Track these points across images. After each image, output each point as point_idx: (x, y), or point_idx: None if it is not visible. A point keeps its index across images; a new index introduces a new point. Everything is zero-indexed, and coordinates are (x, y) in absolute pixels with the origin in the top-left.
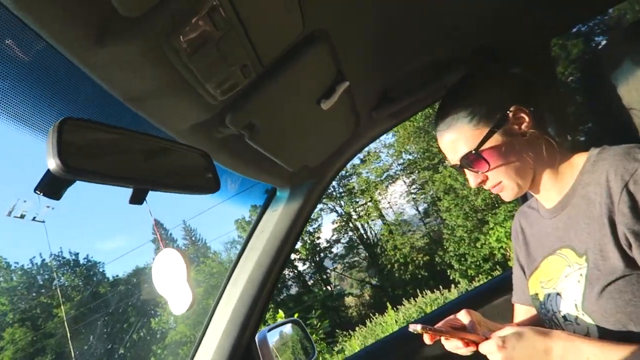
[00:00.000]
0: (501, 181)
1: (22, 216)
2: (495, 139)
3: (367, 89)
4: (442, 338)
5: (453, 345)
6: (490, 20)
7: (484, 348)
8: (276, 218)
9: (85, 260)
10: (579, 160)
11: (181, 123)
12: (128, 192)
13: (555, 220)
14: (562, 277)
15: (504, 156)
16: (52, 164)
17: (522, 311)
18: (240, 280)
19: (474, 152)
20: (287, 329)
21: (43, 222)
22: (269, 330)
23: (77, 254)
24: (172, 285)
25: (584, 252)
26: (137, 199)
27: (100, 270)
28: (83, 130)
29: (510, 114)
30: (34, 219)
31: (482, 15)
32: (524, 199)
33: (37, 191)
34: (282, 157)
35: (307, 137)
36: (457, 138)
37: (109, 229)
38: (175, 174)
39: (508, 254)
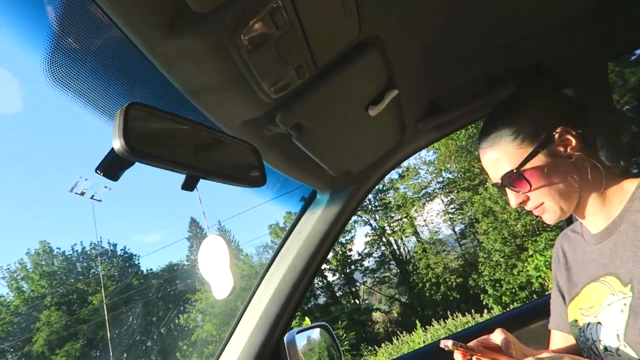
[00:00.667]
0: (543, 202)
1: (82, 193)
2: (539, 159)
3: (415, 98)
4: (474, 358)
5: None
6: (544, 36)
7: None
8: (314, 220)
9: (122, 251)
10: (629, 186)
11: (234, 118)
12: (171, 187)
13: (601, 246)
14: (604, 305)
15: (546, 177)
16: (117, 144)
17: (559, 338)
18: (274, 280)
19: (515, 171)
20: (315, 334)
21: (100, 200)
22: (297, 332)
23: (115, 245)
24: (215, 270)
25: (629, 281)
26: (189, 185)
27: (136, 262)
28: (147, 116)
29: (556, 135)
30: (92, 197)
31: (536, 30)
32: (568, 222)
33: (97, 171)
34: (326, 160)
35: (352, 143)
36: (499, 156)
37: (148, 223)
38: (225, 165)
39: (546, 283)
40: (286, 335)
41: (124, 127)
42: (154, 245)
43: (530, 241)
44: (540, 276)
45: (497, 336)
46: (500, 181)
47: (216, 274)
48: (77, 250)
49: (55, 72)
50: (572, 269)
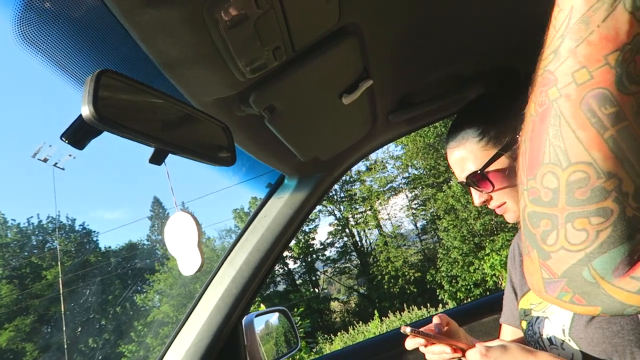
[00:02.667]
0: (505, 202)
1: (46, 160)
2: (502, 162)
3: (388, 91)
4: (423, 347)
5: (439, 350)
6: (517, 44)
7: (470, 355)
8: (281, 205)
9: (81, 227)
10: None
11: (207, 95)
12: (135, 164)
13: None
14: None
15: (508, 179)
16: (86, 111)
17: (509, 332)
18: (237, 261)
19: (479, 172)
20: (274, 319)
21: (63, 169)
22: (256, 316)
23: (74, 220)
24: (183, 247)
25: None
26: (157, 159)
27: (94, 239)
28: (118, 85)
29: (520, 138)
30: (55, 164)
31: (510, 39)
32: None
33: (62, 138)
34: (296, 145)
35: (323, 129)
36: (465, 156)
37: (110, 199)
38: (195, 141)
39: (500, 282)
40: (245, 317)
41: (94, 93)
42: (114, 222)
43: (488, 240)
44: (494, 274)
45: (435, 320)
46: (465, 180)
47: (183, 251)
48: (33, 223)
49: (26, 31)
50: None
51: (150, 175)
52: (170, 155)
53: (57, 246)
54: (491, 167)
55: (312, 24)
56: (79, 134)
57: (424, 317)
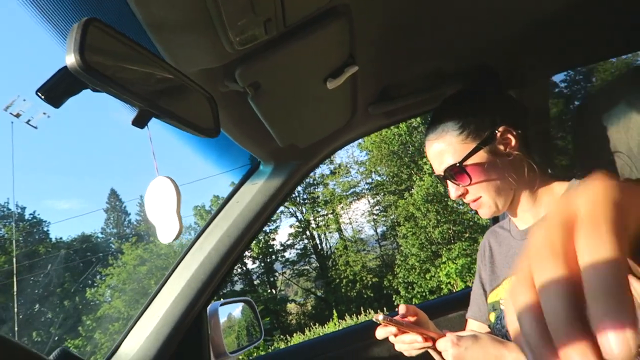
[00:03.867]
0: (481, 197)
1: (18, 115)
2: (480, 156)
3: (370, 81)
4: (393, 337)
5: (410, 339)
6: (499, 43)
7: (441, 345)
8: (254, 191)
9: (31, 216)
10: (559, 188)
11: (192, 65)
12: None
13: (526, 242)
14: None
15: (486, 173)
16: (72, 59)
17: (475, 326)
18: (206, 246)
19: (457, 165)
20: (237, 312)
21: (35, 127)
22: (221, 305)
23: (24, 208)
24: (161, 214)
25: None
26: (141, 121)
27: (45, 229)
28: (106, 37)
29: (498, 134)
30: (28, 121)
31: (491, 37)
32: (494, 221)
33: (38, 93)
34: (277, 127)
35: (305, 114)
36: (444, 149)
37: (64, 187)
38: (180, 108)
39: (454, 290)
40: (210, 305)
41: (81, 41)
42: (67, 212)
43: (445, 249)
44: (449, 282)
45: (401, 310)
46: (442, 173)
47: (162, 217)
48: None
49: None
50: (496, 262)
51: (108, 166)
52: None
53: (6, 234)
54: (469, 161)
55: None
56: (57, 90)
57: None
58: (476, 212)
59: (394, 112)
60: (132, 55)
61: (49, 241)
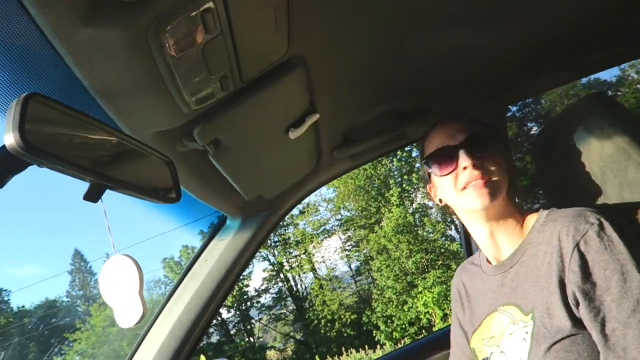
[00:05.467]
0: (491, 176)
1: None
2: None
3: (332, 126)
4: None
5: None
6: (453, 79)
7: None
8: (222, 248)
9: None
10: (529, 220)
11: (147, 128)
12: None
13: (501, 277)
14: (506, 335)
15: (501, 163)
16: (10, 138)
17: None
18: (175, 311)
19: (487, 134)
20: None
21: None
22: None
23: None
24: (121, 295)
25: (531, 310)
26: (93, 195)
27: (5, 298)
28: (49, 111)
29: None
30: None
31: (440, 78)
32: (468, 253)
33: None
34: (241, 182)
35: (269, 165)
36: (475, 127)
37: (24, 253)
38: (136, 176)
39: (433, 319)
40: None
41: (20, 119)
42: (28, 278)
43: (420, 278)
44: (428, 312)
45: None
46: (461, 141)
47: (122, 299)
48: None
49: None
50: (472, 300)
51: (67, 228)
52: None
53: None
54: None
55: (261, 54)
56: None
57: (362, 359)
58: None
59: (359, 155)
60: (79, 127)
61: (10, 311)
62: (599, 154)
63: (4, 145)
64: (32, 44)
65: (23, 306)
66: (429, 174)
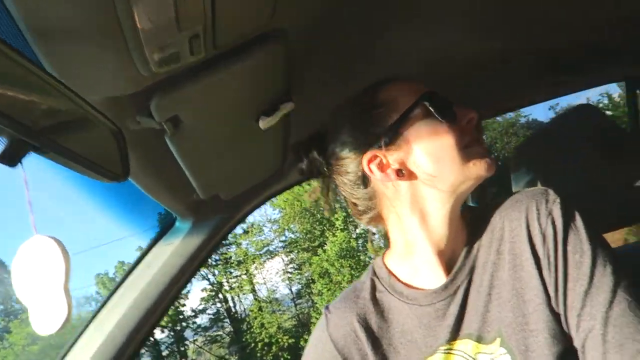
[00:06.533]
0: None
1: None
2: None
3: (306, 123)
4: None
5: None
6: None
7: None
8: (169, 253)
9: None
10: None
11: (94, 90)
12: None
13: (442, 304)
14: None
15: None
16: None
17: None
18: (108, 325)
19: None
20: None
21: None
22: None
23: None
24: (39, 291)
25: (497, 335)
26: (13, 156)
27: None
28: None
29: None
30: None
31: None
32: None
33: None
34: (198, 174)
35: (231, 159)
36: None
37: None
38: (75, 142)
39: None
40: None
41: None
42: None
43: None
44: None
45: None
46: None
47: (41, 297)
48: None
49: None
50: (394, 347)
51: None
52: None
53: None
54: None
55: (242, 17)
56: None
57: None
58: None
59: None
60: (7, 67)
61: None
62: (581, 166)
63: None
64: None
65: None
66: (395, 135)
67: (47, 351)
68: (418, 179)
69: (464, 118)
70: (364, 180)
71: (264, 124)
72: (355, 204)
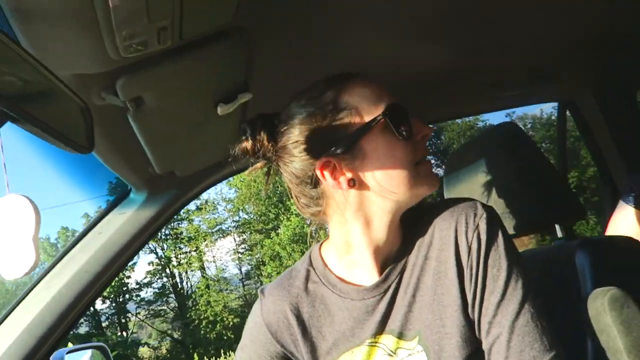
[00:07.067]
0: None
1: None
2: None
3: (262, 111)
4: None
5: None
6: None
7: None
8: (121, 222)
9: None
10: None
11: (65, 66)
12: None
13: (375, 300)
14: None
15: None
16: None
17: None
18: (56, 284)
19: None
20: (88, 357)
21: None
22: (68, 352)
23: None
24: (10, 241)
25: (417, 333)
26: None
27: None
28: None
29: None
30: None
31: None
32: None
33: None
34: (155, 151)
35: (189, 140)
36: None
37: None
38: (46, 114)
39: None
40: (54, 354)
41: None
42: None
43: None
44: None
45: None
46: None
47: (11, 246)
48: None
49: None
50: (315, 334)
51: None
52: None
53: None
54: None
55: (207, 12)
56: None
57: None
58: None
59: None
60: None
61: None
62: (501, 183)
63: None
64: None
65: None
66: (352, 144)
67: None
68: (368, 190)
69: (419, 134)
70: (313, 181)
71: (221, 110)
72: (298, 198)
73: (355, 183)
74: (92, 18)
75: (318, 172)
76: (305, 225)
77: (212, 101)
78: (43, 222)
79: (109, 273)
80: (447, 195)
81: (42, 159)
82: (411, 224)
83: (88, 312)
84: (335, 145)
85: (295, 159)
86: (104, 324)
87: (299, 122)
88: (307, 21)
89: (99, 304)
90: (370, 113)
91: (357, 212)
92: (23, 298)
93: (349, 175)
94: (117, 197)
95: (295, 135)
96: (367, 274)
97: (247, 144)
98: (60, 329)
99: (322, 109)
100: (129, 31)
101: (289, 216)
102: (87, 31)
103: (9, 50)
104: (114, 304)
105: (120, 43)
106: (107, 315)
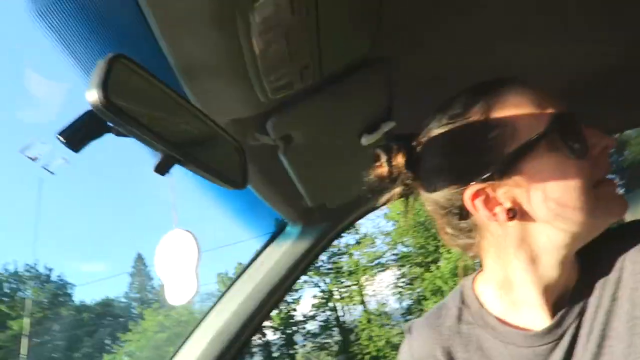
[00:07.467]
0: None
1: (35, 158)
2: None
3: None
4: None
5: None
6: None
7: None
8: (280, 253)
9: (58, 278)
10: None
11: (223, 113)
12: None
13: (546, 348)
14: None
15: None
16: (94, 95)
17: None
18: (225, 312)
19: None
20: None
21: (53, 173)
22: None
23: (50, 270)
24: (176, 271)
25: None
26: (163, 167)
27: (69, 292)
28: (134, 74)
29: None
30: (45, 167)
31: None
32: None
33: (59, 136)
34: (306, 185)
35: (337, 171)
36: None
37: (91, 250)
38: (206, 156)
39: None
40: None
41: (105, 76)
42: (91, 275)
43: None
44: None
45: None
46: None
47: (176, 275)
48: (7, 270)
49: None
50: None
51: (134, 230)
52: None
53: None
54: None
55: (344, 47)
56: (79, 133)
57: None
58: None
59: None
60: (159, 97)
61: (72, 304)
62: None
63: (86, 112)
64: (125, 11)
65: (84, 301)
66: (510, 167)
67: (172, 339)
68: (533, 222)
69: (598, 147)
70: (462, 212)
71: (366, 140)
72: (444, 229)
73: (516, 214)
74: (243, 66)
75: (468, 203)
76: (467, 258)
77: (356, 132)
78: (222, 259)
79: (272, 301)
80: (631, 216)
81: (223, 205)
82: (590, 255)
83: (261, 342)
84: (488, 170)
85: (439, 187)
86: (274, 355)
87: (441, 144)
88: (449, 39)
89: (270, 335)
90: (531, 127)
91: (519, 247)
92: (196, 328)
93: (508, 204)
94: (276, 231)
95: (436, 158)
96: (536, 317)
97: (383, 170)
98: (231, 353)
99: (469, 127)
100: (275, 74)
101: (449, 249)
102: (239, 79)
103: (180, 106)
104: (282, 335)
105: (268, 86)
106: (277, 345)
